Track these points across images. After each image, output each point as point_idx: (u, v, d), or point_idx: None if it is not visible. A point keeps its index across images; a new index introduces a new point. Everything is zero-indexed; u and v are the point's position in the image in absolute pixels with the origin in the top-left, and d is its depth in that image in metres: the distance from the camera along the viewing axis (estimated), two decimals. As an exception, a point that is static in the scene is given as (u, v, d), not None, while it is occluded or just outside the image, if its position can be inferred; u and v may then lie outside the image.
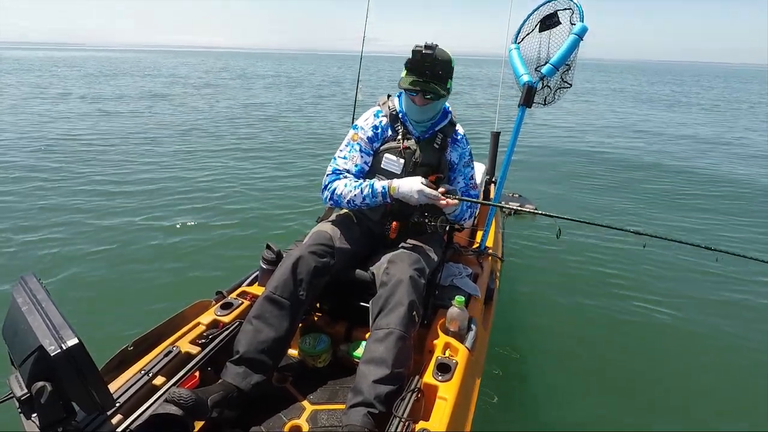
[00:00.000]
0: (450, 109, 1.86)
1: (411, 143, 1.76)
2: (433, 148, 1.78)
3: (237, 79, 21.92)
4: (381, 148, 1.78)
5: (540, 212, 1.64)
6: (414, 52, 1.60)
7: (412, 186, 1.60)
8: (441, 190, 1.62)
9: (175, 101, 12.29)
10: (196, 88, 16.38)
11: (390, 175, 1.74)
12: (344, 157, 1.78)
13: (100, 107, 10.89)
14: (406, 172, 1.73)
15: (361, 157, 1.77)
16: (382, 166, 1.76)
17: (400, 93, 1.83)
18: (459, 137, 1.87)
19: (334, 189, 1.73)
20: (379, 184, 1.66)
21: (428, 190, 1.59)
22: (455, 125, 1.87)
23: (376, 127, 1.79)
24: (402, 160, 1.74)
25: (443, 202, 1.60)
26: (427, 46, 1.60)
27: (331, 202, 1.76)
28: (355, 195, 1.68)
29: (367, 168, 1.79)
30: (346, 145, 1.80)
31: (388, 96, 1.88)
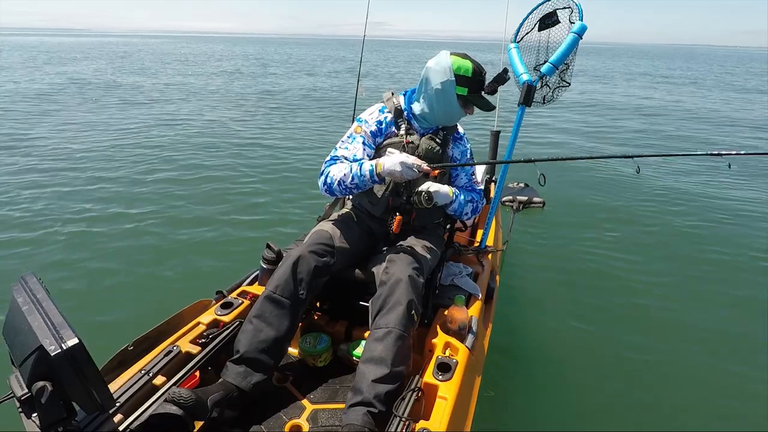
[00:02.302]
0: None
1: (414, 138, 1.79)
2: (435, 144, 1.80)
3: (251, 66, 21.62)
4: (384, 143, 1.80)
5: (519, 160, 1.74)
6: (503, 79, 1.75)
7: (394, 159, 1.59)
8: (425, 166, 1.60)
9: (183, 92, 12.25)
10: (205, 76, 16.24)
11: None
12: (345, 148, 1.78)
13: (110, 98, 10.86)
14: None
15: (363, 149, 1.77)
16: None
17: (406, 91, 1.88)
18: (460, 135, 1.92)
19: (328, 173, 1.73)
20: (368, 163, 1.66)
21: (411, 160, 1.58)
22: (456, 125, 1.90)
23: (380, 122, 1.81)
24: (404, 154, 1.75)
25: (425, 167, 1.59)
26: (506, 72, 1.76)
27: (325, 186, 1.75)
28: (345, 174, 1.67)
29: (367, 160, 1.78)
30: (348, 137, 1.81)
31: (392, 93, 1.90)
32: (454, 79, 1.69)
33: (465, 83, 1.70)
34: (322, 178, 1.76)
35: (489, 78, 1.76)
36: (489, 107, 1.78)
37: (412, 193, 1.66)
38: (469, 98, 1.73)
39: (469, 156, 1.93)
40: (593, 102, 13.02)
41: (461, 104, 1.74)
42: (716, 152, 1.62)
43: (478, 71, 1.72)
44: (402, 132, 1.79)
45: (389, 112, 1.83)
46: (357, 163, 1.69)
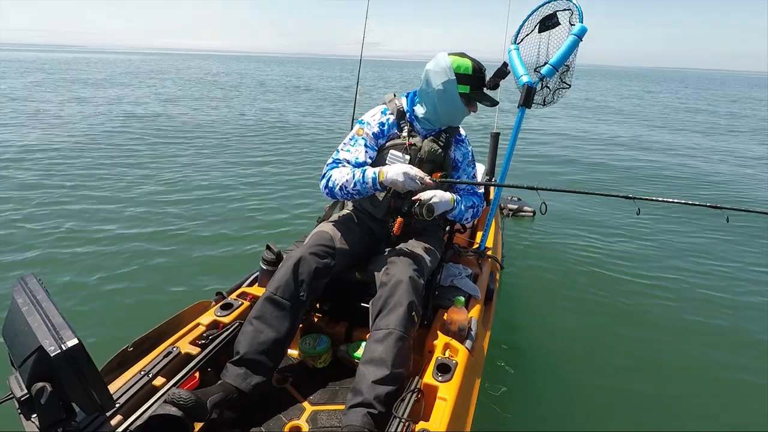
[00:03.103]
0: None
1: (417, 140, 1.78)
2: (438, 146, 1.79)
3: (245, 81, 21.78)
4: (386, 144, 1.79)
5: (522, 186, 1.67)
6: (504, 73, 1.78)
7: (398, 169, 1.58)
8: (427, 178, 1.62)
9: (184, 104, 12.31)
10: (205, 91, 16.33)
11: None
12: (347, 150, 1.77)
13: (115, 107, 10.89)
14: None
15: (365, 151, 1.76)
16: (386, 162, 1.76)
17: (408, 93, 1.87)
18: (462, 137, 1.92)
19: (330, 176, 1.72)
20: (371, 170, 1.64)
21: (414, 171, 1.58)
22: (458, 126, 1.90)
23: (382, 124, 1.80)
24: (407, 156, 1.75)
25: (428, 180, 1.60)
26: (506, 64, 1.78)
27: (327, 190, 1.74)
28: (347, 180, 1.66)
29: (369, 162, 1.77)
30: (351, 139, 1.79)
31: (394, 95, 1.89)
32: (455, 78, 1.69)
33: (466, 81, 1.70)
34: (324, 181, 1.74)
35: (489, 74, 1.77)
36: (493, 103, 1.78)
37: (414, 205, 1.64)
38: (472, 96, 1.73)
39: (470, 158, 1.92)
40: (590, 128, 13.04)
41: (464, 102, 1.74)
42: (715, 205, 1.58)
43: (478, 68, 1.72)
44: (404, 134, 1.78)
45: (391, 113, 1.82)
46: (360, 169, 1.66)
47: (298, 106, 13.56)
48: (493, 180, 3.08)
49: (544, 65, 2.13)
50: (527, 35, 2.24)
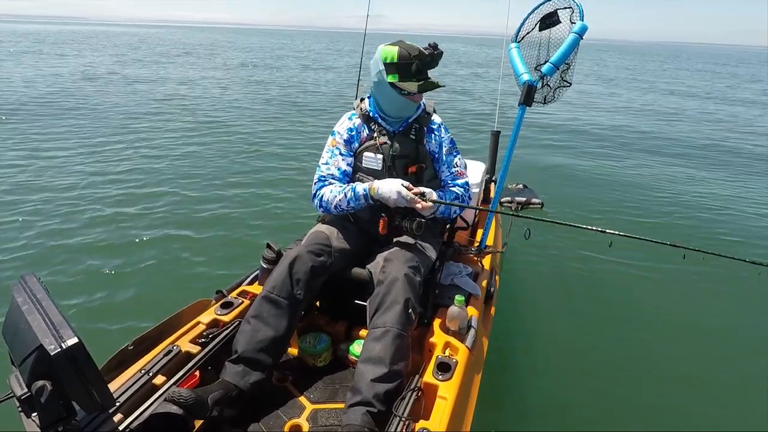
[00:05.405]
0: (423, 99, 1.87)
1: (386, 138, 1.80)
2: (410, 140, 1.80)
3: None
4: (360, 148, 1.82)
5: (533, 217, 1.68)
6: (426, 55, 1.68)
7: (391, 187, 1.63)
8: (416, 190, 1.64)
9: (182, 92, 12.25)
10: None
11: (372, 173, 1.79)
12: (326, 163, 1.82)
13: (98, 88, 10.86)
14: (386, 166, 1.77)
15: (343, 159, 1.82)
16: (363, 165, 1.81)
17: (371, 95, 1.86)
18: (435, 126, 1.89)
19: (322, 196, 1.79)
20: (361, 186, 1.71)
21: (405, 192, 1.62)
22: (431, 114, 1.89)
23: (351, 129, 1.84)
24: (380, 156, 1.77)
25: (419, 205, 1.63)
26: (434, 46, 1.70)
27: (322, 209, 1.82)
28: (340, 200, 1.73)
29: (350, 170, 1.83)
30: (327, 152, 1.84)
31: (361, 99, 1.91)
32: (383, 68, 1.70)
33: (394, 70, 1.69)
34: (316, 201, 1.81)
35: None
36: (424, 88, 1.70)
37: (403, 219, 1.69)
38: (401, 84, 1.69)
39: (449, 144, 1.89)
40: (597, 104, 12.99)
41: (399, 92, 1.72)
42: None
43: (405, 54, 1.67)
44: (375, 134, 1.80)
45: (358, 117, 1.85)
46: (350, 187, 1.72)
47: (302, 95, 13.44)
48: (493, 179, 3.08)
49: (544, 63, 2.12)
50: (528, 33, 2.24)
